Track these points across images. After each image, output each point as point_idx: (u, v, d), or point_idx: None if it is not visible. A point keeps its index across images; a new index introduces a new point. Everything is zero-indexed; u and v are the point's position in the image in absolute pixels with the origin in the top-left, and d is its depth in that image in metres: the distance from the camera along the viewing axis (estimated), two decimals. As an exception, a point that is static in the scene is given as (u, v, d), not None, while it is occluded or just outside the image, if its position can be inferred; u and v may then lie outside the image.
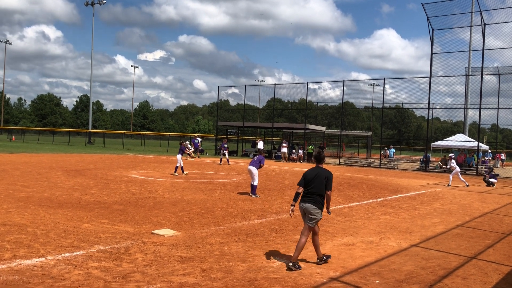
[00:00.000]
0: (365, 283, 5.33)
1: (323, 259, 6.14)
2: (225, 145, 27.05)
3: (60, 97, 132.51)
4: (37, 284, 4.76)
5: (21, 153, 29.61)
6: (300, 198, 6.22)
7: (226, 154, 26.79)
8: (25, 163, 20.93)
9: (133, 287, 4.81)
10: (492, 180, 20.53)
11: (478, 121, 30.09)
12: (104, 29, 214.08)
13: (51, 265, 5.45)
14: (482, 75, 29.00)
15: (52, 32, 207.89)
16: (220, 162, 26.67)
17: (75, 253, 6.00)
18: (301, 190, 6.18)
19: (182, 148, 19.02)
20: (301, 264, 6.03)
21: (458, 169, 19.86)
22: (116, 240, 6.89)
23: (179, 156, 18.56)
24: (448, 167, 20.66)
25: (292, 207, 6.36)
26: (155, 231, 7.56)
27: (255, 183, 12.87)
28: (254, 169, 12.93)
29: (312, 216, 6.06)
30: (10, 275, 4.98)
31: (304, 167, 28.56)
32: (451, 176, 20.02)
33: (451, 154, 21.23)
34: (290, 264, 5.77)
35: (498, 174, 22.57)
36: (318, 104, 58.63)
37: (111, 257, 5.91)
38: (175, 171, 18.61)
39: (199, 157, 33.10)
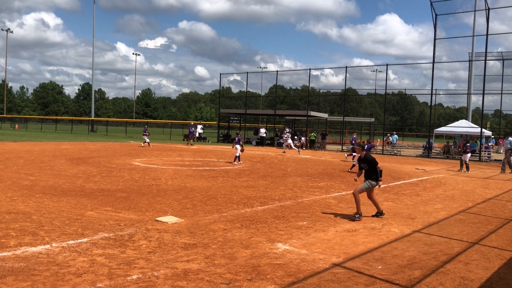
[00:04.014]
0: (367, 269, 5.36)
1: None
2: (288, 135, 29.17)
3: (62, 85, 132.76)
4: (42, 271, 4.81)
5: (24, 141, 29.71)
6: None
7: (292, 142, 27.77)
8: (28, 151, 21.01)
9: (137, 273, 4.86)
10: (467, 156, 19.50)
11: (481, 107, 29.93)
12: (104, 16, 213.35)
13: (56, 252, 5.50)
14: (485, 60, 28.75)
15: (51, 19, 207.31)
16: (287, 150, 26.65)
17: (79, 240, 6.05)
18: None
19: (239, 139, 19.30)
20: (304, 250, 6.07)
21: (289, 141, 26.28)
22: (120, 227, 6.94)
23: (238, 146, 18.94)
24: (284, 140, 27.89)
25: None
26: (159, 218, 7.60)
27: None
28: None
29: None
30: (16, 262, 5.04)
31: (307, 154, 28.55)
32: (284, 146, 26.57)
33: (286, 130, 29.49)
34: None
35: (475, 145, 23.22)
36: (321, 91, 58.46)
37: (115, 244, 5.96)
38: (234, 160, 18.88)
39: (191, 145, 33.24)
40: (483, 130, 31.02)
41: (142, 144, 29.27)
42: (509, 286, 5.02)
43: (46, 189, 10.34)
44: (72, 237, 6.22)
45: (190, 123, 40.10)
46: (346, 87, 37.45)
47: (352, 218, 8.39)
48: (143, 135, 29.13)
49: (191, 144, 33.41)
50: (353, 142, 24.33)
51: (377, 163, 8.81)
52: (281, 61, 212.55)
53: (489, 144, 36.07)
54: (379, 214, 8.76)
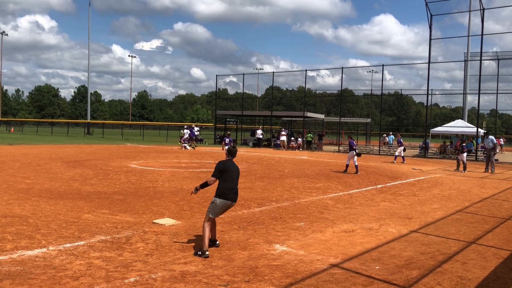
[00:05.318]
0: (365, 269, 5.36)
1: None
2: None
3: (57, 88, 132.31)
4: (39, 274, 4.78)
5: (20, 144, 29.58)
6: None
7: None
8: (24, 154, 20.92)
9: (134, 276, 4.84)
10: (464, 156, 19.62)
11: (477, 107, 30.07)
12: (99, 18, 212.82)
13: (53, 255, 5.47)
14: (481, 60, 28.86)
15: (46, 21, 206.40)
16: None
17: (76, 244, 6.02)
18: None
19: (230, 140, 19.19)
20: (302, 251, 6.07)
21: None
22: (117, 230, 6.92)
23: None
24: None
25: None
26: (156, 221, 7.59)
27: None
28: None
29: None
30: (12, 266, 5.01)
31: (303, 155, 28.58)
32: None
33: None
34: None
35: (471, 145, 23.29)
36: (317, 92, 58.56)
37: (112, 247, 5.94)
38: None
39: (194, 147, 33.13)
40: (479, 129, 31.13)
41: (190, 148, 30.67)
42: (506, 285, 5.03)
43: (42, 192, 10.30)
44: (69, 240, 6.20)
45: (191, 125, 39.93)
46: (342, 88, 37.54)
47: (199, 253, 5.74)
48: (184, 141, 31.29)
49: (193, 147, 33.18)
50: (401, 141, 25.02)
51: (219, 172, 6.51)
52: (277, 62, 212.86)
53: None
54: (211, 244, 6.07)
